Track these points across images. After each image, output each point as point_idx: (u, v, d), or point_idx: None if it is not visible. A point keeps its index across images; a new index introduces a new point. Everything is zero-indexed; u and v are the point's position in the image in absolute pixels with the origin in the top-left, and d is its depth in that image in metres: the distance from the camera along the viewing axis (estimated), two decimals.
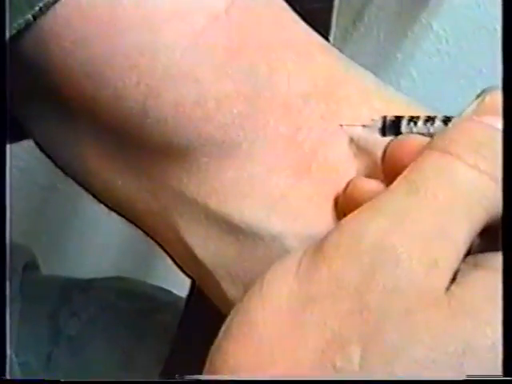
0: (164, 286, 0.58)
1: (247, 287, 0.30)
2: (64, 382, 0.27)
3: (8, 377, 0.28)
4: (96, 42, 0.30)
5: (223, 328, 0.27)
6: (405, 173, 0.27)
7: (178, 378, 0.26)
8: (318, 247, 0.27)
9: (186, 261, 0.34)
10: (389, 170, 0.30)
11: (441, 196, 0.26)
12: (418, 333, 0.24)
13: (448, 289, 0.25)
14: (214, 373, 0.26)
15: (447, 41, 0.78)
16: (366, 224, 0.26)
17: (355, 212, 0.27)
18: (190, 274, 0.35)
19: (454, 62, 0.78)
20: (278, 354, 0.25)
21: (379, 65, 0.73)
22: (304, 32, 0.34)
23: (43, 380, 0.30)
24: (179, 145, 0.31)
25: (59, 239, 0.86)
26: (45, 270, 0.56)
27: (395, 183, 0.27)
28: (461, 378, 0.23)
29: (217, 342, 0.27)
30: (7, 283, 0.29)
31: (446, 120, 0.31)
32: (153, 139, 0.31)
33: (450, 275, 0.25)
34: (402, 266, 0.25)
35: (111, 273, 0.59)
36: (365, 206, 0.27)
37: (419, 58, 0.79)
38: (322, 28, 0.36)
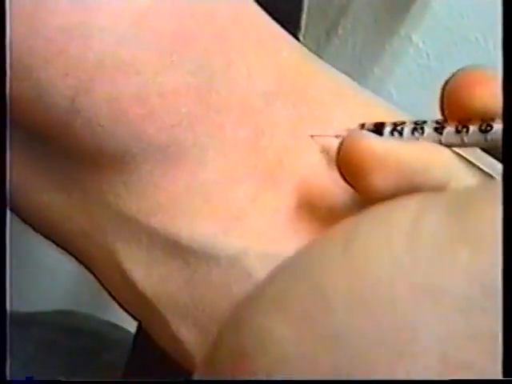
0: (125, 321, 0.54)
1: (199, 322, 0.28)
2: (64, 381, 0.26)
3: (8, 377, 0.26)
4: (14, 22, 0.26)
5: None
6: None
7: None
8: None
9: (124, 292, 0.30)
10: (345, 171, 0.27)
11: None
12: None
13: None
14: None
15: (427, 55, 0.76)
16: None
17: None
18: (131, 310, 0.31)
19: (434, 77, 0.75)
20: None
21: (355, 80, 0.71)
22: (268, 24, 0.31)
23: (43, 380, 0.30)
24: (115, 150, 0.27)
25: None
26: None
27: None
28: (459, 379, 0.20)
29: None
30: (7, 281, 0.26)
31: (438, 127, 0.27)
32: (84, 144, 0.27)
33: None
34: None
35: (64, 303, 0.55)
36: None
37: (398, 73, 0.77)
38: (290, 31, 0.33)
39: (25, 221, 0.31)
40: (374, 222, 0.22)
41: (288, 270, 0.22)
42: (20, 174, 0.29)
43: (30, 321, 0.50)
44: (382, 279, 0.20)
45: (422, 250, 0.20)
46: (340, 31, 0.74)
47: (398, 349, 0.19)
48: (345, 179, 0.26)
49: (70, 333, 0.49)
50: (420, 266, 0.20)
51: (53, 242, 0.31)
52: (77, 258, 0.31)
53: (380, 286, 0.20)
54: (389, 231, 0.21)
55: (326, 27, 0.72)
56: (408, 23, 0.75)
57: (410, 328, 0.19)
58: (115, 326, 0.53)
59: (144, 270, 0.29)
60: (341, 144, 0.26)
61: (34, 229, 0.31)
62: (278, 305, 0.21)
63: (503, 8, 0.25)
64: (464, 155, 0.27)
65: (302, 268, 0.21)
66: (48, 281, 0.83)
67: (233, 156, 0.28)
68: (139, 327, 0.42)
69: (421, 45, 0.76)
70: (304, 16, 0.43)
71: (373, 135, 0.27)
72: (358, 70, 0.75)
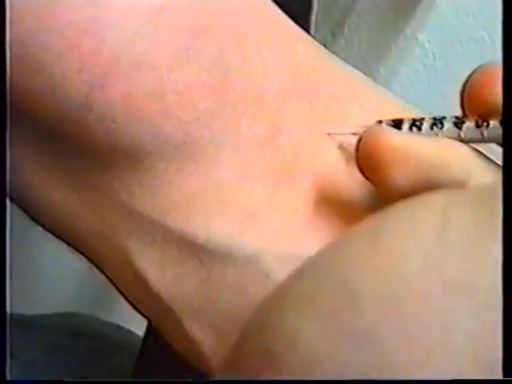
0: (128, 322, 0.53)
1: (214, 323, 0.27)
2: (66, 381, 0.26)
3: (8, 377, 0.26)
4: (26, 18, 0.25)
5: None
6: None
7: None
8: None
9: (137, 291, 0.29)
10: (365, 165, 0.27)
11: None
12: None
13: None
14: None
15: (433, 54, 0.75)
16: None
17: None
18: (142, 310, 0.30)
19: (440, 77, 0.75)
20: None
21: None
22: (283, 20, 0.30)
23: (43, 380, 0.29)
24: (130, 147, 0.27)
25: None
26: None
27: None
28: (459, 379, 0.19)
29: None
30: (7, 280, 0.26)
31: (458, 122, 0.27)
32: (97, 140, 0.27)
33: None
34: None
35: (67, 305, 0.54)
36: None
37: (403, 73, 0.77)
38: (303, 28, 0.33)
39: (35, 220, 0.31)
40: (401, 218, 0.21)
41: (315, 268, 0.22)
42: (30, 173, 0.29)
43: (33, 323, 0.49)
44: (411, 276, 0.19)
45: (452, 247, 0.20)
46: (345, 31, 0.73)
47: (428, 348, 0.19)
48: (363, 174, 0.26)
49: (73, 335, 0.48)
50: (451, 262, 0.20)
51: (63, 241, 0.31)
52: (87, 258, 0.30)
53: (410, 282, 0.19)
54: (417, 228, 0.21)
55: (332, 27, 0.72)
56: (414, 23, 0.75)
57: (442, 326, 0.19)
58: (119, 328, 0.52)
59: (157, 270, 0.28)
60: (360, 138, 0.26)
61: (45, 227, 0.31)
62: (306, 302, 0.20)
63: (503, 7, 0.25)
64: (482, 151, 0.26)
65: (328, 265, 0.21)
66: (51, 283, 0.82)
67: (249, 153, 0.28)
68: (148, 330, 0.41)
69: (426, 44, 0.75)
70: (314, 16, 0.43)
71: (392, 129, 0.27)
72: (364, 69, 0.72)
